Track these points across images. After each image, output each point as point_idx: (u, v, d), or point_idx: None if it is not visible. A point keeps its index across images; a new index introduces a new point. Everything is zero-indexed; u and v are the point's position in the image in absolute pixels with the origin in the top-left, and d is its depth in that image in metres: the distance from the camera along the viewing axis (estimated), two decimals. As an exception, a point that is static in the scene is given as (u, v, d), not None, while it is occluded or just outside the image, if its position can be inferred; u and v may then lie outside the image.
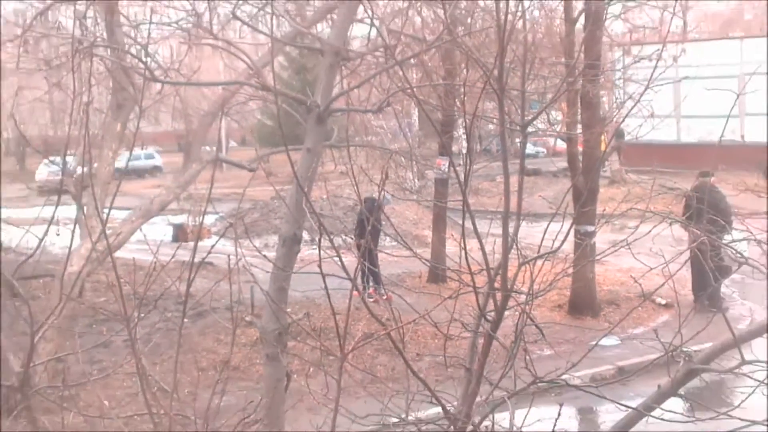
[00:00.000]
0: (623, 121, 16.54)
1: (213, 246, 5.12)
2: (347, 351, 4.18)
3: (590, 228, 15.87)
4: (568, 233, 4.96)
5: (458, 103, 17.79)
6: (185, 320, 16.07)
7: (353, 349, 4.44)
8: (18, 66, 13.68)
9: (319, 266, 4.30)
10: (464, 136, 25.64)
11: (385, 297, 13.82)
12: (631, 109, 14.53)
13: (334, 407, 4.28)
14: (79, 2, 14.14)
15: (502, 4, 4.29)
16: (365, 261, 16.17)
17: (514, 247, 4.78)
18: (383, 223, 16.06)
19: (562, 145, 30.16)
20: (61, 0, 13.95)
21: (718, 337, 5.31)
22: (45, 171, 38.35)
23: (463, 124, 23.09)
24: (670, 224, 6.61)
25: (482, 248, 4.71)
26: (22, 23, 15.21)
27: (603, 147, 34.27)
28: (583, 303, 17.38)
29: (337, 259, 4.44)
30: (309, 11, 14.61)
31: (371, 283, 17.13)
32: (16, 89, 15.12)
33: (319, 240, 4.36)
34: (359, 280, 15.84)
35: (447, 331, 5.09)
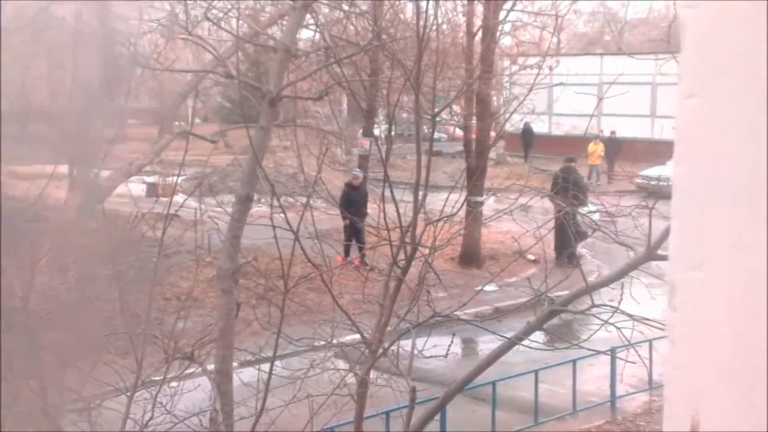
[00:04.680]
0: (510, 116, 16.71)
1: (184, 201, 5.07)
2: (290, 287, 4.20)
3: (479, 198, 16.03)
4: (463, 203, 5.04)
5: (381, 95, 17.80)
6: (153, 259, 15.86)
7: (295, 284, 4.46)
8: (32, 52, 13.24)
9: (271, 219, 4.31)
10: (385, 123, 25.57)
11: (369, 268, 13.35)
12: (517, 107, 14.71)
13: (277, 331, 4.30)
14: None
15: (421, 20, 4.32)
16: (353, 236, 15.47)
17: (422, 210, 4.84)
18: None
19: (459, 132, 30.32)
20: (62, -3, 13.54)
21: (573, 286, 5.45)
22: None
23: (384, 113, 23.12)
24: (542, 198, 6.75)
25: (397, 211, 4.76)
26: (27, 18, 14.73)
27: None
28: (470, 257, 17.59)
29: (289, 215, 4.44)
30: (263, 16, 14.43)
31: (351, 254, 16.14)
32: (28, 69, 14.66)
33: (272, 200, 4.36)
34: (349, 250, 15.49)
35: (366, 275, 5.14)
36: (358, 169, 18.13)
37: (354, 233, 15.31)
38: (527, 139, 35.91)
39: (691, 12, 1.02)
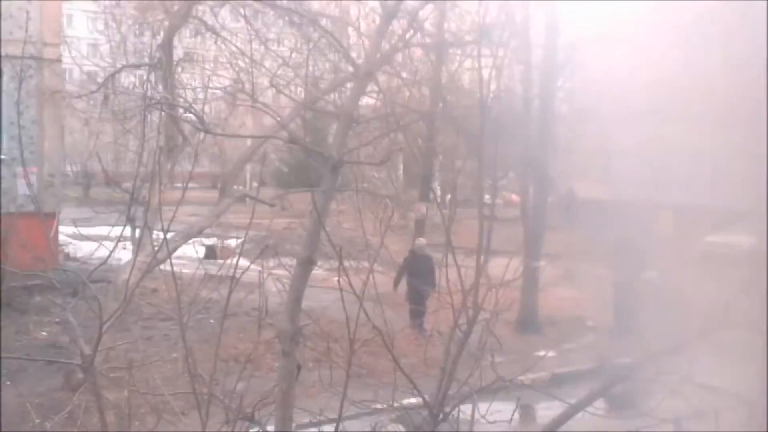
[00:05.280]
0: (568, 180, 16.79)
1: (249, 265, 5.17)
2: (355, 348, 4.25)
3: (538, 263, 16.02)
4: (527, 267, 5.06)
5: (438, 160, 18.01)
6: (211, 321, 15.95)
7: (360, 346, 4.51)
8: (100, 116, 13.75)
9: (339, 282, 4.38)
10: (440, 188, 25.58)
11: (429, 334, 13.07)
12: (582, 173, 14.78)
13: (341, 393, 4.34)
14: (143, 68, 14.27)
15: (484, 90, 4.42)
16: (418, 304, 15.19)
17: (483, 274, 4.87)
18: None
19: (516, 197, 30.24)
20: (129, 66, 14.07)
21: (634, 352, 5.39)
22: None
23: (438, 177, 23.33)
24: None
25: (459, 274, 4.81)
26: (95, 83, 15.25)
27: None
28: (528, 322, 17.39)
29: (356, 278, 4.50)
30: (322, 83, 14.76)
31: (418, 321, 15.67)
32: (98, 134, 15.18)
33: (339, 263, 4.43)
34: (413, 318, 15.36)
35: (427, 340, 5.17)
36: (422, 239, 18.09)
37: (419, 299, 15.22)
38: (569, 204, 34.97)
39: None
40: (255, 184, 48.33)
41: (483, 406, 5.09)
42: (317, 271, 8.17)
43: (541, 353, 9.28)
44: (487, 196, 8.83)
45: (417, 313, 14.96)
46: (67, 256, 21.65)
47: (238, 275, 5.11)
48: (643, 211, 29.31)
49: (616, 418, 5.76)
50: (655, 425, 4.99)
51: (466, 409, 5.18)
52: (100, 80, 14.95)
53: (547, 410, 11.32)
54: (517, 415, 13.20)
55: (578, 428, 7.99)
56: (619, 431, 8.50)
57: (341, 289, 4.41)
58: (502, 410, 5.50)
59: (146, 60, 14.42)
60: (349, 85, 8.00)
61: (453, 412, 5.02)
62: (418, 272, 15.58)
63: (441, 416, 4.84)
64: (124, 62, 15.60)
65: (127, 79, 20.45)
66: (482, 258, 4.78)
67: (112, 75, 14.08)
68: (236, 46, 11.61)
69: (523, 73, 18.01)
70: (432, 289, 13.76)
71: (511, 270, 5.26)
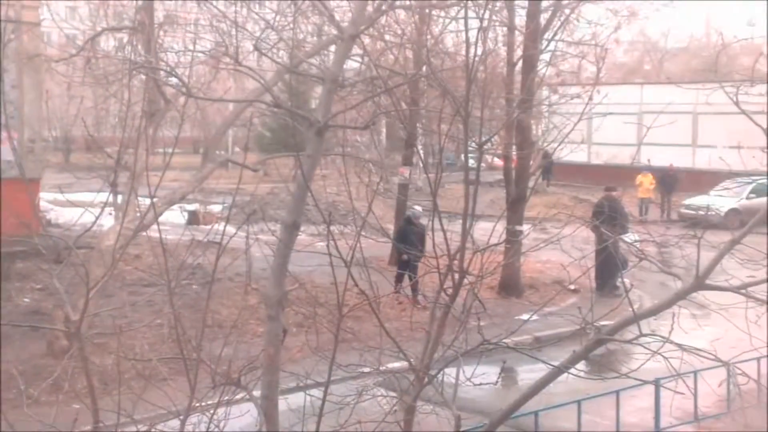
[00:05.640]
0: (558, 146, 16.80)
1: (235, 233, 5.17)
2: (344, 313, 4.28)
3: (520, 227, 16.11)
4: (508, 233, 5.10)
5: (421, 124, 17.97)
6: (194, 287, 15.84)
7: (349, 311, 4.54)
8: (83, 81, 13.58)
9: (327, 246, 4.40)
10: (423, 151, 25.46)
11: (420, 305, 12.93)
12: (566, 137, 14.82)
13: (329, 357, 4.38)
14: (124, 31, 14.14)
15: (468, 51, 4.42)
16: (408, 271, 15.09)
17: (469, 238, 4.91)
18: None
19: (498, 161, 30.26)
20: (110, 29, 13.91)
21: (616, 316, 5.44)
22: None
23: (423, 142, 23.30)
24: (587, 226, 6.77)
25: (445, 239, 4.83)
26: (75, 47, 15.06)
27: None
28: (510, 286, 17.52)
29: (347, 241, 4.52)
30: (305, 47, 14.66)
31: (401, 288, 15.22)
32: (81, 99, 15.01)
33: (328, 228, 4.44)
34: (401, 286, 15.26)
35: (414, 305, 5.21)
36: (418, 207, 17.88)
37: (408, 267, 15.20)
38: (546, 167, 34.91)
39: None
40: (237, 149, 48.13)
41: (468, 369, 5.15)
42: (300, 236, 8.21)
43: (524, 316, 9.38)
44: (471, 160, 8.85)
45: (401, 278, 15.00)
46: (49, 223, 21.54)
47: (224, 241, 5.10)
48: (624, 173, 29.32)
49: (601, 380, 5.85)
50: (635, 387, 5.06)
51: (451, 372, 5.24)
52: (79, 43, 14.74)
53: (529, 373, 11.47)
54: (499, 378, 13.40)
55: (561, 390, 8.11)
56: (600, 393, 8.66)
57: (330, 254, 4.44)
58: (486, 373, 5.57)
59: (127, 23, 14.26)
60: (333, 48, 7.96)
61: (438, 376, 5.08)
62: (410, 239, 15.57)
63: (426, 379, 4.89)
64: (104, 25, 15.41)
65: (107, 43, 20.23)
66: (468, 222, 4.81)
67: (93, 38, 13.90)
68: (218, 9, 11.50)
69: (506, 35, 17.95)
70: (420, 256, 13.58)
71: (495, 234, 5.30)
